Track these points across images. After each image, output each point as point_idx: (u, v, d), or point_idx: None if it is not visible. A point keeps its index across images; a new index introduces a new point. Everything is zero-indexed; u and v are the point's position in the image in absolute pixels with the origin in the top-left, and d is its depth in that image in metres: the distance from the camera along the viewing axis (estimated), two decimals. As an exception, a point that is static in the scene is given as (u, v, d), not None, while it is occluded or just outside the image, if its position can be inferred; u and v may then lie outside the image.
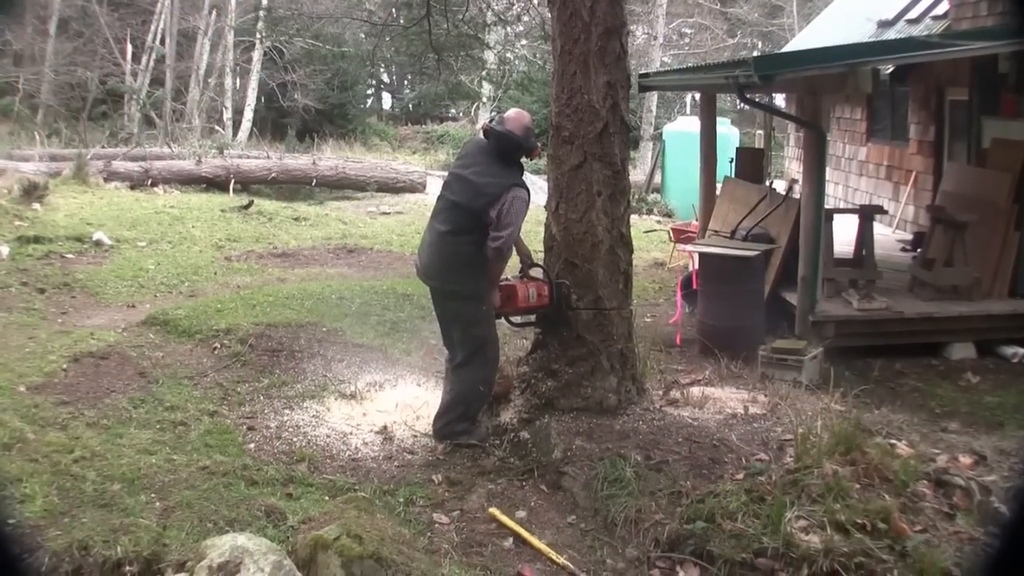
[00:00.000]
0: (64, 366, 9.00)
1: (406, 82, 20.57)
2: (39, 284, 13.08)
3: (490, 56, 26.83)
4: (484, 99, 34.27)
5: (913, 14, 17.07)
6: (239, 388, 8.81)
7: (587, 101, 7.71)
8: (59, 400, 8.01)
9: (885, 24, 17.65)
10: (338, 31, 34.37)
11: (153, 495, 6.25)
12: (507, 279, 7.97)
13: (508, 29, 20.31)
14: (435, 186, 26.01)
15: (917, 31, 16.02)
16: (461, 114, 40.49)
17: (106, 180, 22.35)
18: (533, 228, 9.52)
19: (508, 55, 23.90)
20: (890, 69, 15.25)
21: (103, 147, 26.30)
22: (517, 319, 8.37)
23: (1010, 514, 4.76)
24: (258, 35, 31.41)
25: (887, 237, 15.24)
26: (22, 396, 7.99)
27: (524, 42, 33.11)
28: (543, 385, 7.77)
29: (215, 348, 9.86)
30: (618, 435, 7.19)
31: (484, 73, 25.81)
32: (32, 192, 18.29)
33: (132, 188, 22.50)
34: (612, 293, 7.89)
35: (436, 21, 16.47)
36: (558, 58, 7.95)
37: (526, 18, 22.15)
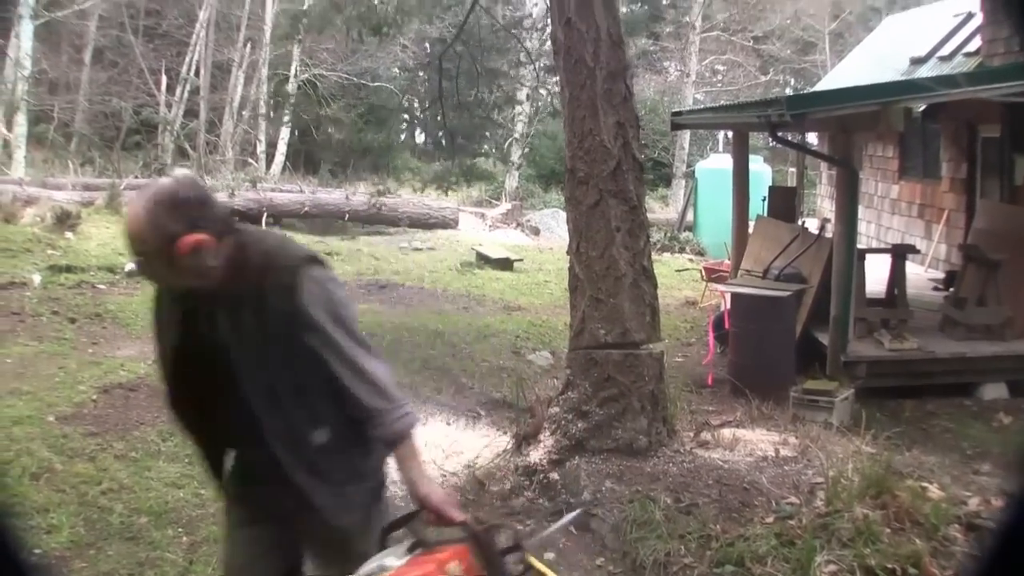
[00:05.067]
0: (94, 397, 9.01)
1: (439, 117, 20.73)
2: (70, 313, 13.11)
3: (522, 94, 26.92)
4: (517, 135, 34.34)
5: (945, 51, 17.06)
6: (268, 423, 8.79)
7: (599, 142, 7.85)
8: (88, 431, 8.01)
9: (917, 61, 17.64)
10: (372, 65, 34.51)
11: (180, 529, 6.27)
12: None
13: (538, 64, 20.37)
14: (467, 222, 26.08)
15: (949, 68, 16.00)
16: (494, 149, 40.56)
17: (139, 210, 22.44)
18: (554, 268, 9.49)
19: (541, 91, 23.90)
20: (922, 107, 15.23)
21: (136, 177, 26.37)
22: None
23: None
24: (293, 70, 31.58)
25: (919, 276, 15.17)
26: (51, 426, 8.00)
27: (557, 78, 33.17)
28: (573, 426, 7.71)
29: (244, 382, 9.85)
30: (648, 477, 7.15)
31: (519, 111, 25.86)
32: (65, 221, 18.38)
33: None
34: (639, 325, 7.87)
35: (468, 56, 16.55)
36: (567, 104, 8.16)
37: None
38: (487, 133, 38.14)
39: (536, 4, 22.54)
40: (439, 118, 15.33)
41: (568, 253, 8.32)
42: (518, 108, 30.14)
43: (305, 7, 29.71)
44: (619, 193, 7.87)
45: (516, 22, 18.79)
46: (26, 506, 6.22)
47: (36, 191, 21.46)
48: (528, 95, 26.11)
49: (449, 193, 24.60)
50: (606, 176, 7.85)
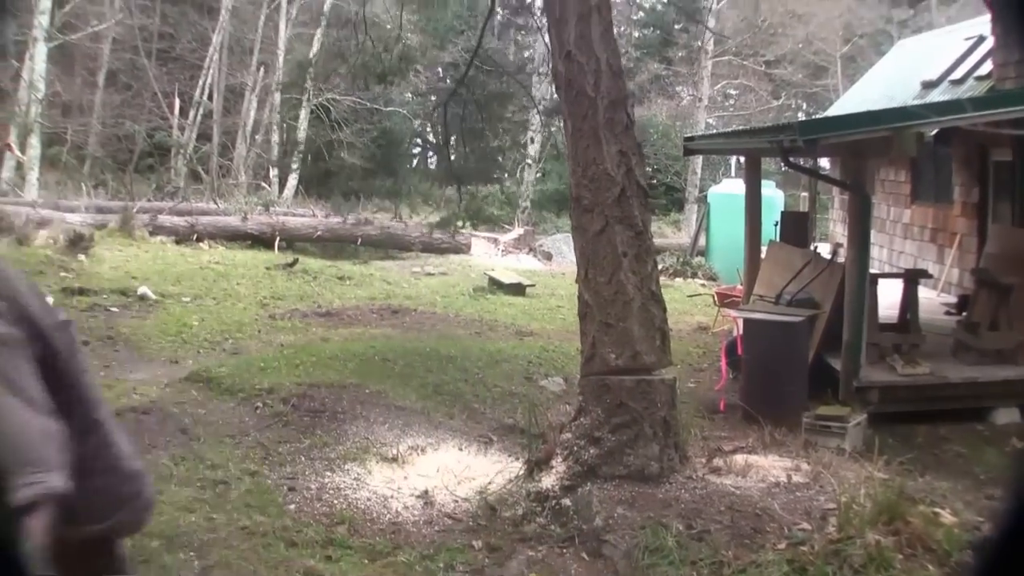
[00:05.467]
0: (106, 420, 8.98)
1: (452, 141, 20.87)
2: (82, 336, 13.05)
3: (535, 119, 27.01)
4: (529, 161, 34.39)
5: (957, 75, 17.07)
6: (281, 448, 8.78)
7: (602, 170, 8.06)
8: (100, 455, 7.99)
9: (929, 85, 17.65)
10: (385, 90, 34.61)
11: (192, 553, 6.27)
12: None
13: (541, 105, 20.52)
14: (479, 247, 26.10)
15: (961, 91, 16.00)
16: (507, 175, 40.62)
17: (152, 234, 22.51)
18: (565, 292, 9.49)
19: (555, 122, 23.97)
20: (934, 131, 15.25)
21: (149, 200, 26.48)
22: None
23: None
24: (305, 93, 31.71)
25: (931, 300, 15.14)
26: (64, 449, 7.97)
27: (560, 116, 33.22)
28: (585, 452, 7.72)
29: (257, 407, 9.84)
30: (660, 503, 7.14)
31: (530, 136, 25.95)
32: (78, 243, 18.45)
33: (178, 243, 22.64)
34: (649, 348, 7.95)
35: (482, 81, 16.65)
36: (571, 135, 8.40)
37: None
38: (499, 158, 38.20)
39: (536, 40, 22.60)
40: (448, 160, 15.48)
41: (577, 281, 8.41)
42: (530, 133, 30.21)
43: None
44: (624, 219, 8.02)
45: (519, 67, 18.89)
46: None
47: (49, 213, 21.53)
48: (542, 121, 26.13)
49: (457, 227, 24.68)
50: (611, 203, 8.02)
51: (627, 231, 8.03)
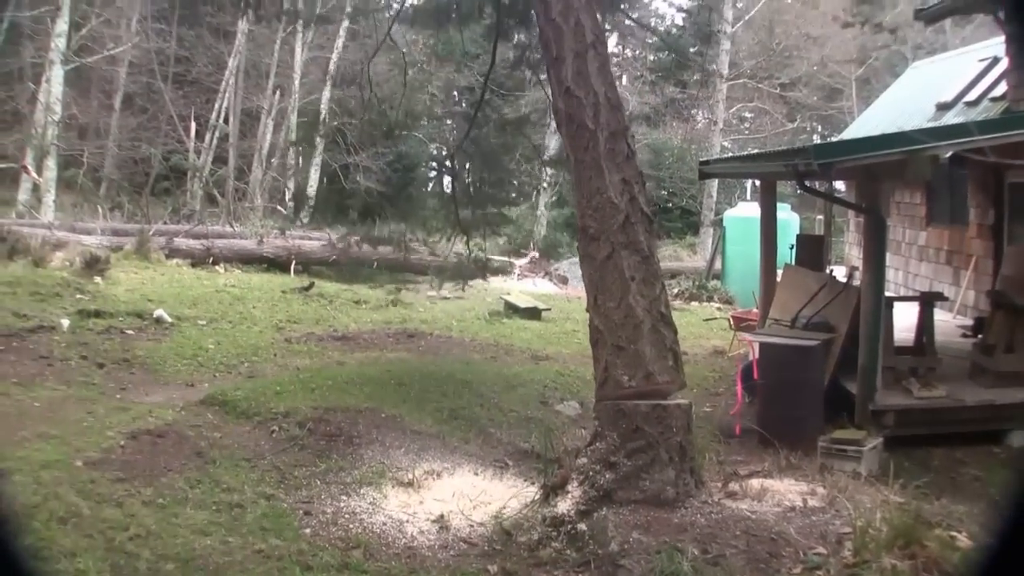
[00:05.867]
0: (122, 442, 8.98)
1: (467, 166, 20.73)
2: (99, 359, 13.18)
3: (552, 141, 27.00)
4: (544, 184, 34.39)
5: (971, 96, 17.06)
6: (296, 472, 8.77)
7: (606, 198, 8.30)
8: (116, 476, 7.98)
9: (944, 107, 17.63)
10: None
11: (207, 576, 6.27)
12: None
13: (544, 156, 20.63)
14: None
15: (976, 113, 15.98)
16: (522, 198, 40.57)
17: (168, 256, 22.59)
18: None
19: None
20: (949, 153, 15.24)
21: (165, 223, 26.58)
22: None
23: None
24: (321, 115, 31.79)
25: (947, 323, 15.10)
26: (79, 471, 7.98)
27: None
28: (601, 477, 7.71)
29: (273, 431, 9.82)
30: (676, 528, 7.12)
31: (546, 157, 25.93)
32: (94, 265, 18.52)
33: (193, 265, 22.70)
34: (662, 368, 7.99)
35: (496, 105, 16.64)
36: (574, 168, 8.71)
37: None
38: (514, 182, 38.19)
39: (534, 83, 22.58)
40: (456, 216, 15.58)
41: (587, 309, 8.51)
42: (545, 156, 30.26)
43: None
44: (630, 245, 8.21)
45: (523, 119, 18.90)
46: (53, 550, 6.22)
47: (65, 235, 21.64)
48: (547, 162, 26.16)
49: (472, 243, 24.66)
50: (616, 230, 8.22)
51: (633, 256, 8.19)
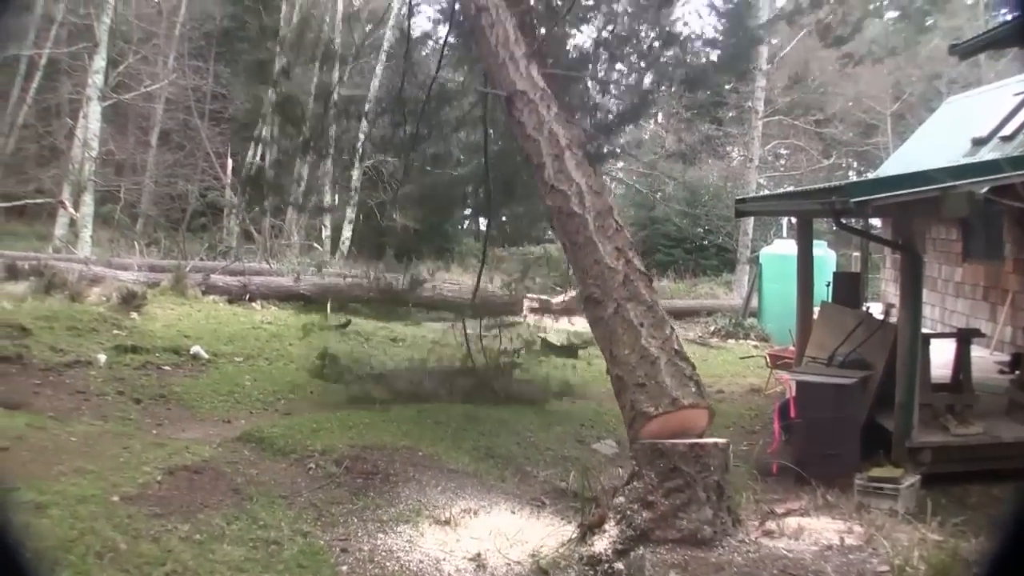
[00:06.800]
0: (158, 478, 8.98)
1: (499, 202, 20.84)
2: (135, 394, 13.24)
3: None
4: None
5: (1007, 131, 17.00)
6: (333, 509, 8.78)
7: (604, 265, 8.97)
8: (152, 512, 7.99)
9: (979, 142, 17.57)
10: (437, 151, 34.72)
11: (244, 614, 6.28)
12: None
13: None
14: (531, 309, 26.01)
15: (1011, 148, 15.93)
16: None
17: (204, 293, 22.65)
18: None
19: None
20: (984, 189, 15.19)
21: (201, 259, 26.70)
22: None
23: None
24: (357, 155, 31.84)
25: (984, 359, 15.02)
26: (115, 506, 7.98)
27: (621, 164, 33.31)
28: (638, 516, 7.71)
29: (310, 468, 9.82)
30: (713, 568, 7.09)
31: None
32: (130, 301, 18.61)
33: (230, 302, 22.73)
34: (686, 394, 8.13)
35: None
36: (571, 253, 9.61)
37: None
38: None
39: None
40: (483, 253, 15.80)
41: (607, 373, 8.86)
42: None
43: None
44: (633, 298, 8.75)
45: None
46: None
47: (102, 271, 21.76)
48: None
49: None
50: (617, 287, 8.84)
51: (639, 306, 8.70)
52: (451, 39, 15.68)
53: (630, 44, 15.85)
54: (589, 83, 16.13)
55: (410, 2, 18.16)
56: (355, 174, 34.47)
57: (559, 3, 14.74)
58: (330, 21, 33.92)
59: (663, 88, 18.17)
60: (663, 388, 8.10)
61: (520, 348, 16.50)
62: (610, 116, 16.92)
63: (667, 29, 16.14)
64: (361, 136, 21.24)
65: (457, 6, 14.07)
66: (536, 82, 10.61)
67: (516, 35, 11.07)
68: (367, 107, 24.95)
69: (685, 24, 44.81)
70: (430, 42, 19.45)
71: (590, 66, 15.78)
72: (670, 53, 16.23)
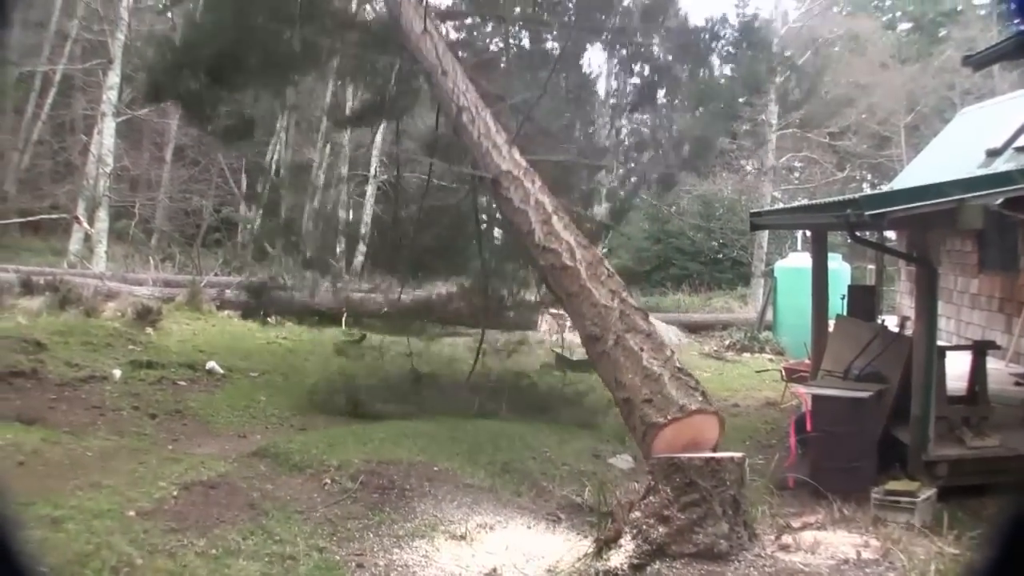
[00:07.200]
0: (174, 493, 8.99)
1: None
2: (151, 409, 13.27)
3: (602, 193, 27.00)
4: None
5: (1021, 141, 16.95)
6: (349, 524, 8.76)
7: (601, 306, 9.68)
8: (168, 527, 7.99)
9: (993, 153, 17.53)
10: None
11: (260, 629, 6.28)
12: None
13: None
14: (547, 323, 26.03)
15: (1025, 159, 15.89)
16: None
17: (219, 308, 22.71)
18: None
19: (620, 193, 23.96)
20: (999, 201, 15.15)
21: (216, 275, 26.76)
22: None
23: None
24: (372, 171, 32.00)
25: (1000, 371, 14.96)
26: (131, 521, 7.98)
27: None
28: (654, 531, 7.71)
29: (325, 483, 9.80)
30: (729, 582, 7.10)
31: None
32: (145, 316, 18.67)
33: (244, 317, 22.78)
34: (692, 401, 8.42)
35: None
36: (568, 305, 10.47)
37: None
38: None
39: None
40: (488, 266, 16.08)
41: (616, 403, 9.37)
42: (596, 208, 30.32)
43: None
44: (631, 329, 9.45)
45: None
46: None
47: (117, 286, 21.86)
48: (606, 193, 26.19)
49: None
50: (615, 321, 9.45)
51: (637, 335, 9.28)
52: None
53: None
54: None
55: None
56: (369, 189, 34.55)
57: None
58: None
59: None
60: (669, 399, 8.38)
61: (535, 363, 16.53)
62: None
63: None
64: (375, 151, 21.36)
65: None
66: (519, 162, 11.69)
67: (496, 126, 12.18)
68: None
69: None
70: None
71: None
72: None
